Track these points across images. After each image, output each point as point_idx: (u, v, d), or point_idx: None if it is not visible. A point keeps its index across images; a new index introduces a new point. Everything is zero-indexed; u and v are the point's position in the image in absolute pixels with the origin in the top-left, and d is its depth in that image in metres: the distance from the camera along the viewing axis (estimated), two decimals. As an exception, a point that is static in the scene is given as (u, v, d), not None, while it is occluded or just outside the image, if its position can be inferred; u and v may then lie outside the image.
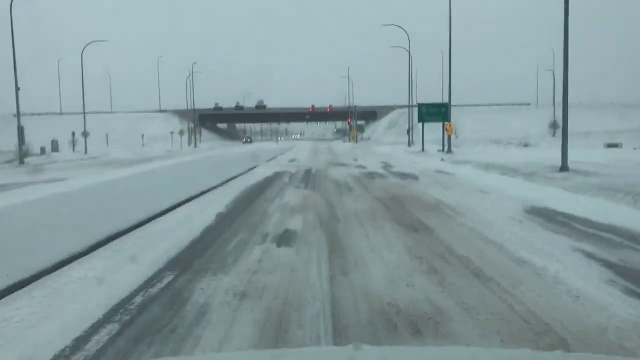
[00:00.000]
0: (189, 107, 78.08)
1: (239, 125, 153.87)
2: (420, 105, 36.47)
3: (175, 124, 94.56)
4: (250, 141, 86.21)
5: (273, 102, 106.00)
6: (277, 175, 19.20)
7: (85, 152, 51.23)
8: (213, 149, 54.70)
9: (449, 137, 33.73)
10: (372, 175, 19.16)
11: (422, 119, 36.31)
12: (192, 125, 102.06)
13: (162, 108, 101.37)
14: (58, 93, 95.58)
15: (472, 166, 20.76)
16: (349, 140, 79.90)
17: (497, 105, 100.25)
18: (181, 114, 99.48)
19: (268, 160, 28.05)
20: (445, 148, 35.29)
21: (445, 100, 36.31)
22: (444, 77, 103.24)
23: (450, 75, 33.43)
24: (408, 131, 51.25)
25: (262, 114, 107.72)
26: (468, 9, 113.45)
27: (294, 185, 15.87)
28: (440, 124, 36.12)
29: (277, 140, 70.91)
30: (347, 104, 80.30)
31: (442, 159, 26.35)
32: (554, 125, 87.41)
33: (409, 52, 50.28)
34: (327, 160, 29.39)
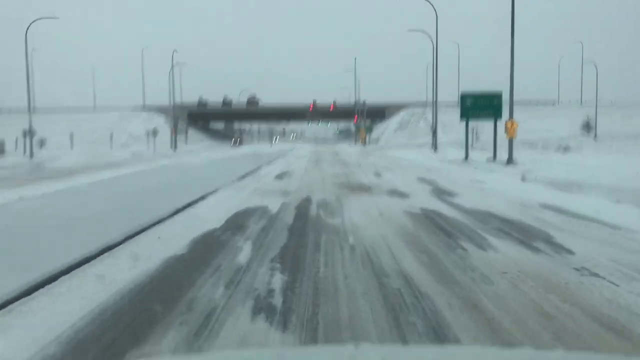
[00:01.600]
0: (177, 104, 68.01)
1: (238, 126, 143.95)
2: (464, 97, 26.23)
3: (160, 122, 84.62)
4: (241, 143, 75.86)
5: (271, 101, 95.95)
6: (231, 229, 8.66)
7: (31, 155, 41.29)
8: (191, 153, 44.83)
9: (511, 141, 23.62)
10: (436, 222, 9.03)
11: (465, 114, 26.20)
12: (183, 123, 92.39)
13: (148, 105, 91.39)
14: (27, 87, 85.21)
15: (601, 196, 10.87)
16: (356, 142, 69.66)
17: (518, 103, 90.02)
18: (167, 111, 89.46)
19: (241, 177, 17.79)
20: (495, 156, 25.30)
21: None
22: (459, 72, 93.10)
23: (513, 49, 23.47)
24: (434, 133, 41.33)
25: (258, 113, 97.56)
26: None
27: (257, 282, 5.59)
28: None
29: (271, 142, 60.39)
30: (354, 100, 69.94)
31: (522, 179, 16.23)
32: (587, 127, 77.35)
33: (436, 36, 40.26)
34: (335, 176, 19.28)
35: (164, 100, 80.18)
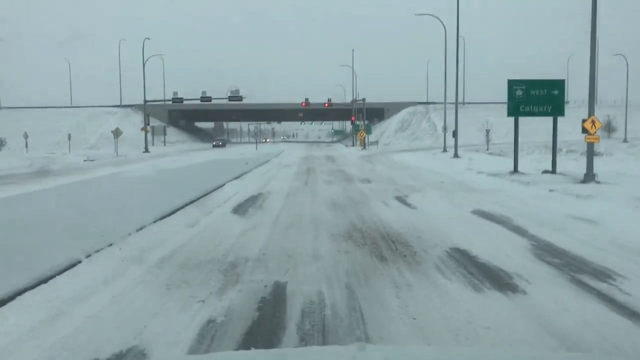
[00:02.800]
0: (157, 101, 60.49)
1: (231, 125, 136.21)
2: (513, 85, 18.38)
3: (137, 121, 77.04)
4: (223, 145, 68.13)
5: (261, 99, 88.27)
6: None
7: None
8: (158, 157, 37.34)
9: (591, 147, 16.18)
10: None
11: (515, 109, 18.65)
12: (162, 122, 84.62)
13: (127, 103, 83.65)
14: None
15: None
16: (354, 144, 62.18)
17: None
18: (147, 109, 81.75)
19: (172, 213, 10.19)
20: (554, 167, 18.07)
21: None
22: (465, 68, 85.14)
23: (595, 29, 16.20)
24: (454, 133, 34.05)
25: (248, 111, 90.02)
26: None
27: None
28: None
29: (257, 142, 52.80)
30: (351, 98, 62.37)
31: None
32: (608, 128, 70.25)
33: (457, 15, 33.07)
34: (336, 206, 11.74)
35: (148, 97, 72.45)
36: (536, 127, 72.10)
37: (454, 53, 33.99)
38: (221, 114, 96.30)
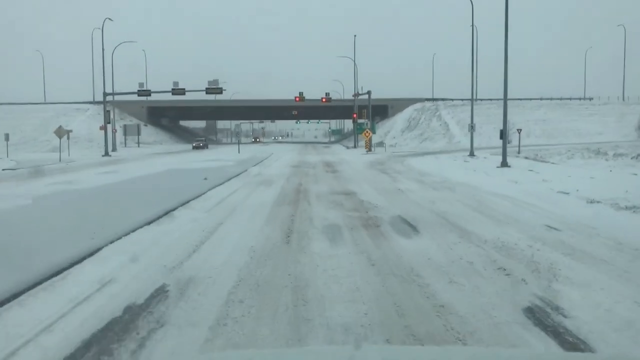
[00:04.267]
0: (124, 92, 52.05)
1: (222, 123, 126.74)
2: None
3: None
4: (204, 146, 59.44)
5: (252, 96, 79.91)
6: None
7: None
8: (119, 161, 29.18)
9: None
10: None
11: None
12: (139, 121, 75.51)
13: (99, 99, 75.01)
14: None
15: None
16: (355, 145, 53.65)
17: (550, 99, 74.38)
18: (122, 106, 73.39)
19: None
20: None
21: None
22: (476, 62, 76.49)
23: None
24: (503, 134, 25.81)
25: (237, 108, 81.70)
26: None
27: None
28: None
29: (239, 144, 44.04)
30: (354, 91, 53.60)
31: None
32: (644, 127, 61.90)
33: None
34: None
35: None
36: (555, 127, 63.86)
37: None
38: (209, 112, 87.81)
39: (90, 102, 72.71)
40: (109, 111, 42.18)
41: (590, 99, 76.16)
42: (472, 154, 33.67)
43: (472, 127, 34.52)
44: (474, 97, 75.67)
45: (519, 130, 38.73)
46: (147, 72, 76.68)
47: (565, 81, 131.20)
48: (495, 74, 35.54)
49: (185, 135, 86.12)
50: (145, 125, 72.26)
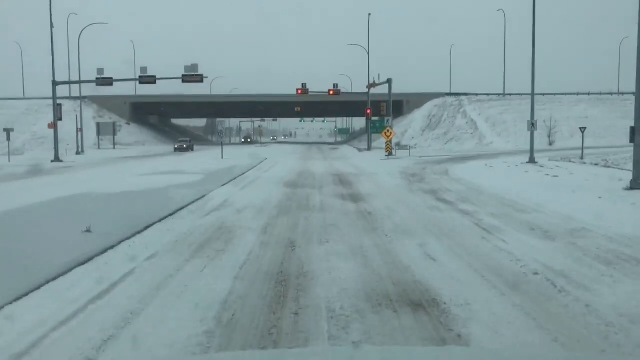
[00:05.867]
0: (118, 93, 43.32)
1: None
2: None
3: (88, 116, 59.94)
4: (188, 148, 50.48)
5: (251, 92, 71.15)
6: None
7: None
8: (88, 166, 20.63)
9: None
10: None
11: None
12: (121, 118, 66.38)
13: (87, 94, 66.34)
14: None
15: None
16: (369, 147, 44.53)
17: (588, 94, 65.20)
18: (101, 101, 64.90)
19: None
20: None
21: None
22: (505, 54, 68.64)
23: None
24: (530, 124, 15.81)
25: (233, 104, 73.07)
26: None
27: None
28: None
29: (222, 147, 34.74)
30: (368, 82, 44.38)
31: None
32: None
33: None
34: None
35: (106, 89, 54.40)
36: (599, 125, 54.93)
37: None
38: (205, 109, 79.07)
39: (66, 98, 64.16)
40: (60, 105, 33.76)
41: (633, 93, 67.01)
42: (532, 161, 24.93)
43: (532, 125, 25.69)
44: (504, 91, 66.76)
45: (583, 130, 29.80)
46: (137, 67, 67.87)
47: (592, 75, 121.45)
48: (526, 68, 26.62)
49: (176, 135, 77.56)
50: (128, 124, 63.69)
